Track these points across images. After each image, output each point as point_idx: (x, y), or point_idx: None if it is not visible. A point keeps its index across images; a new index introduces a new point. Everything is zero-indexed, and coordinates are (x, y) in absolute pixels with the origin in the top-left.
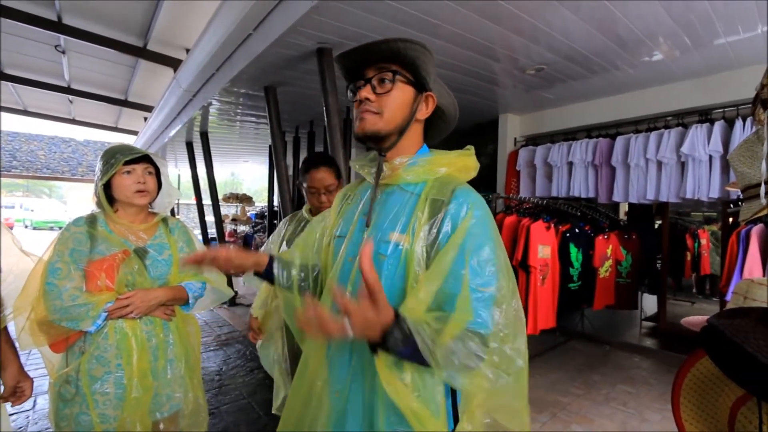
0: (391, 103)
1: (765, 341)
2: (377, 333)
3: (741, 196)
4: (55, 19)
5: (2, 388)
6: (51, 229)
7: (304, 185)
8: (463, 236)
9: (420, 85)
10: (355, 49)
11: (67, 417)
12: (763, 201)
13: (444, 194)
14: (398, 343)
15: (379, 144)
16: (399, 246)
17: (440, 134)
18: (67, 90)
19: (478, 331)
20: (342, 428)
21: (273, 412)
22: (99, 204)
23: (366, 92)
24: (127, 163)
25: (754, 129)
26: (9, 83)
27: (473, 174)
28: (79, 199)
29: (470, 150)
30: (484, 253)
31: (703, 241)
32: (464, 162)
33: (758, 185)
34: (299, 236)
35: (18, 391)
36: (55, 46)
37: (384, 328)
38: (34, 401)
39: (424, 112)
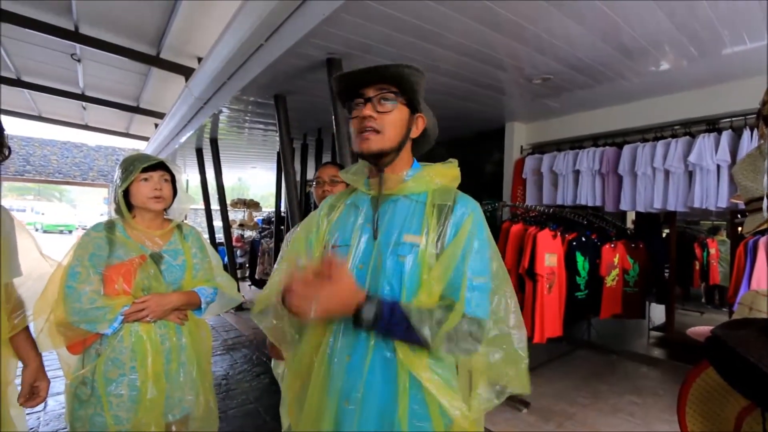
0: (393, 122)
1: (767, 351)
2: (350, 310)
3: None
4: (72, 28)
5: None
6: (61, 232)
7: (314, 181)
8: (464, 236)
9: (413, 107)
10: (361, 70)
11: (81, 418)
12: (765, 215)
13: (448, 200)
14: (369, 319)
15: (379, 160)
16: (414, 246)
17: (420, 151)
18: (81, 97)
19: (476, 317)
20: None
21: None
22: (118, 210)
23: (369, 110)
24: (144, 170)
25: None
26: (24, 90)
27: (458, 182)
28: (89, 203)
29: (454, 162)
30: (481, 250)
31: (712, 251)
32: (453, 173)
33: (761, 199)
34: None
35: (34, 391)
36: (71, 55)
37: (358, 305)
38: (45, 403)
39: (415, 131)
